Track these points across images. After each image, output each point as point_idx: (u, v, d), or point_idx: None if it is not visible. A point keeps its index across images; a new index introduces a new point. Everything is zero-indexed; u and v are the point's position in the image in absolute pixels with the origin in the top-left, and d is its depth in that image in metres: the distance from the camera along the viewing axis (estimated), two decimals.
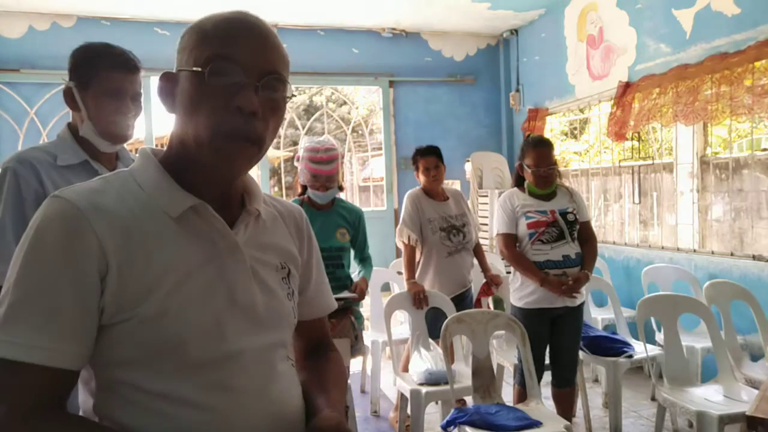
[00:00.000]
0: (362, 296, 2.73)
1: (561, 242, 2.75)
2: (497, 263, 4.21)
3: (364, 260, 2.88)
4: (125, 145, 1.67)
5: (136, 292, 0.80)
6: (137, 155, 0.92)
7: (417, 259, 3.35)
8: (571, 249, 2.77)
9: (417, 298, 3.13)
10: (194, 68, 0.83)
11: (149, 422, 0.81)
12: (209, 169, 0.86)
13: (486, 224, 5.06)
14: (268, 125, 0.86)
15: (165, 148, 0.92)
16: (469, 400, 2.67)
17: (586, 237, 2.87)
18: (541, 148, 2.78)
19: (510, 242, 2.84)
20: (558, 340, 2.83)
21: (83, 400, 0.87)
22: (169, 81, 0.88)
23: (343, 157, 3.63)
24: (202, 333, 0.83)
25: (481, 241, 3.70)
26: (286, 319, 0.95)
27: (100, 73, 1.52)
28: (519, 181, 2.93)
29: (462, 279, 3.34)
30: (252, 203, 0.93)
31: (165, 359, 0.81)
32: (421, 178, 3.38)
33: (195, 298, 0.83)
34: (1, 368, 0.76)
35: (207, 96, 0.82)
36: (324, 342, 1.13)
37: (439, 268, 3.29)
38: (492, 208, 4.99)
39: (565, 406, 2.88)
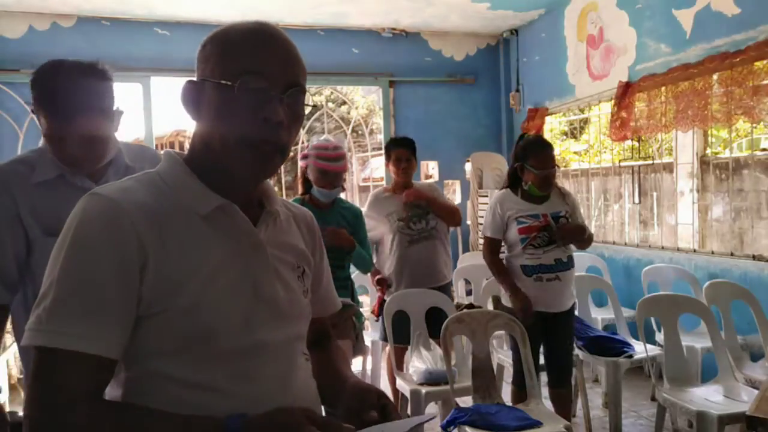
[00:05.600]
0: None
1: (552, 246, 2.75)
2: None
3: None
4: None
5: (172, 283, 0.84)
6: (162, 157, 0.97)
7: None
8: (563, 253, 2.78)
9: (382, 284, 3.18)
10: (223, 81, 0.88)
11: (177, 410, 0.83)
12: (235, 174, 0.91)
13: None
14: (291, 133, 0.92)
15: (186, 150, 0.98)
16: (469, 400, 2.67)
17: None
18: (547, 150, 2.77)
19: (494, 247, 2.88)
20: (551, 341, 2.85)
21: (108, 390, 0.88)
22: (193, 89, 0.93)
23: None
24: (231, 325, 0.88)
25: (480, 242, 3.67)
26: (304, 314, 1.03)
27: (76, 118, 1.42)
28: (514, 182, 2.86)
29: (432, 272, 3.23)
30: (272, 205, 0.99)
31: (196, 349, 0.86)
32: (391, 169, 3.29)
33: (225, 292, 0.88)
34: (50, 358, 0.79)
35: (236, 107, 0.88)
36: (326, 334, 1.21)
37: (402, 259, 3.20)
38: None
39: (562, 406, 2.88)
